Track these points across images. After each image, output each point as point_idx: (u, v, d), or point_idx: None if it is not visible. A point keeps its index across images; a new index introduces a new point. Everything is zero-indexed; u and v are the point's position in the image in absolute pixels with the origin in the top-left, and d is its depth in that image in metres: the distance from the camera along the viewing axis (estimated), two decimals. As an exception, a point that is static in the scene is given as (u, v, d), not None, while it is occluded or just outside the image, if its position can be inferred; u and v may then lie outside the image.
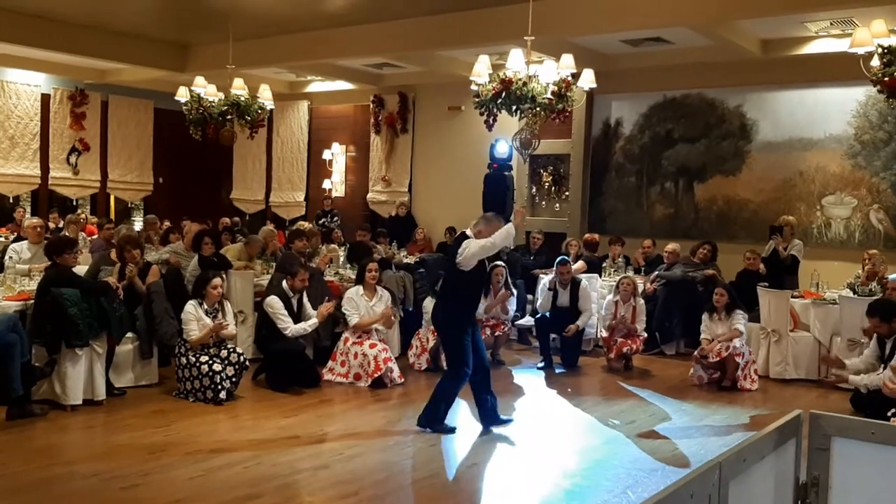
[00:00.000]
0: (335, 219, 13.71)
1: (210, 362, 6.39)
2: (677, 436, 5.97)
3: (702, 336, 7.75)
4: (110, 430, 5.75)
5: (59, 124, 14.31)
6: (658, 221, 11.59)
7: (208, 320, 6.54)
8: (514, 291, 8.62)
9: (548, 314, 8.47)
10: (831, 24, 9.16)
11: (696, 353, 7.70)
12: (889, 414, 5.61)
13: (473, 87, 7.95)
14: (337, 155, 15.02)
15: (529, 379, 7.92)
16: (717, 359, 7.47)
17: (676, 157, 11.46)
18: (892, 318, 6.24)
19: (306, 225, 10.53)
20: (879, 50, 6.55)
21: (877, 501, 2.18)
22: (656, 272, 9.46)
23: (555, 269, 8.55)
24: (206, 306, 6.59)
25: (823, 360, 7.09)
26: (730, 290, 7.78)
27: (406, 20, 10.37)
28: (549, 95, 7.66)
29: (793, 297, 8.18)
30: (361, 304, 7.45)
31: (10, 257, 7.96)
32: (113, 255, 7.17)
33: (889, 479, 2.14)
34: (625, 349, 8.25)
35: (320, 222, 13.30)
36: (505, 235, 5.55)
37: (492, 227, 5.65)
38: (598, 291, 9.33)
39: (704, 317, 7.79)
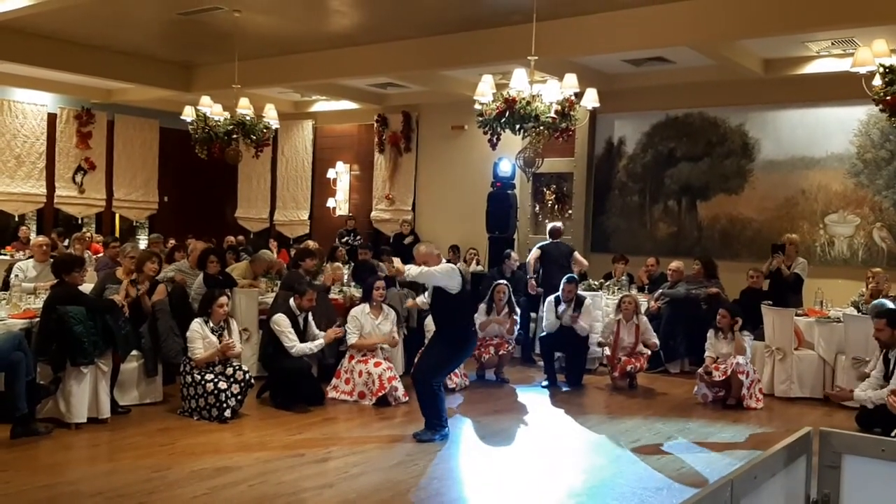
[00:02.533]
0: (358, 237, 13.72)
1: (215, 380, 6.38)
2: (682, 454, 5.95)
3: (706, 354, 7.74)
4: (115, 448, 5.74)
5: (65, 143, 14.41)
6: (661, 240, 11.61)
7: (214, 338, 6.54)
8: (518, 310, 8.63)
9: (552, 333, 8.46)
10: (832, 43, 9.23)
11: (699, 370, 7.69)
12: (893, 434, 5.59)
13: (477, 107, 7.99)
14: (341, 174, 15.10)
15: (534, 397, 7.90)
16: (723, 377, 7.45)
17: (679, 175, 11.50)
18: None
19: (312, 244, 10.55)
20: (881, 69, 6.58)
21: (887, 519, 2.18)
22: (660, 290, 9.47)
23: (561, 287, 8.55)
24: (211, 324, 6.60)
25: (831, 396, 7.10)
26: (733, 311, 7.76)
27: (410, 41, 10.46)
28: (552, 114, 7.69)
29: (797, 315, 8.17)
30: (367, 323, 7.46)
31: (17, 275, 7.98)
32: (118, 272, 7.19)
33: (899, 496, 2.14)
34: (629, 367, 8.23)
35: (343, 240, 13.32)
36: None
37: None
38: (603, 310, 9.33)
39: (710, 334, 7.78)
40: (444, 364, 6.27)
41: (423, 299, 7.98)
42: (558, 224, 10.52)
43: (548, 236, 10.18)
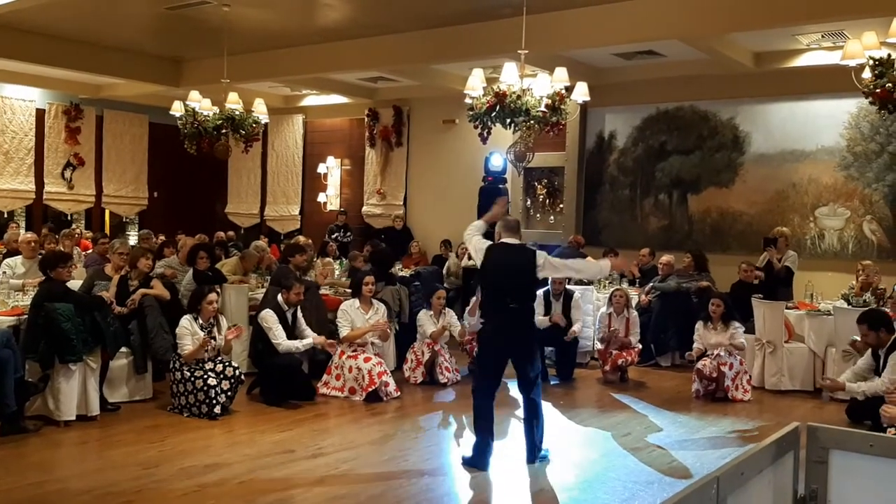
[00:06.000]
0: (348, 234, 13.69)
1: (205, 377, 6.35)
2: (673, 448, 5.96)
3: (694, 345, 7.76)
4: (104, 445, 5.71)
5: (54, 139, 14.31)
6: (652, 233, 11.62)
7: (203, 335, 6.51)
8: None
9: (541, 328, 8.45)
10: (822, 36, 9.24)
11: (692, 361, 7.66)
12: (885, 425, 5.61)
13: (468, 101, 7.97)
14: (332, 168, 15.05)
15: (525, 392, 7.88)
16: (713, 374, 7.47)
17: (670, 169, 11.51)
18: (880, 328, 6.28)
19: (303, 239, 10.51)
20: (871, 62, 6.57)
21: (875, 514, 2.18)
22: (651, 284, 9.48)
23: (549, 280, 8.54)
24: (201, 321, 6.57)
25: (823, 387, 7.13)
26: (726, 301, 7.79)
27: (400, 34, 10.42)
28: (542, 108, 7.67)
29: (787, 308, 8.19)
30: (357, 318, 7.43)
31: (4, 272, 7.92)
32: (107, 269, 7.15)
33: (887, 491, 2.13)
34: (620, 361, 8.24)
35: (333, 236, 13.28)
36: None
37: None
38: (594, 304, 9.33)
39: (698, 325, 7.79)
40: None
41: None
42: (580, 238, 11.06)
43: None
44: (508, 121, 7.77)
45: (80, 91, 14.14)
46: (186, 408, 6.39)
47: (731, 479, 1.90)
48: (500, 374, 5.50)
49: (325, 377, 7.37)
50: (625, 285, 9.56)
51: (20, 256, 8.19)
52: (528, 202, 12.80)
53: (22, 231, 11.90)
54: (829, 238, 10.36)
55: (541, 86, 7.68)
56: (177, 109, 10.38)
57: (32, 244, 8.22)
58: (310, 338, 7.08)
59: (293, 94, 15.03)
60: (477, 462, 5.33)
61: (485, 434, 5.37)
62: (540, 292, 8.66)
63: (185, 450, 5.56)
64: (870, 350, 6.49)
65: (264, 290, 8.15)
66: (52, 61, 11.75)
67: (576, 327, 8.35)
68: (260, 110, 10.33)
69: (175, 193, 15.68)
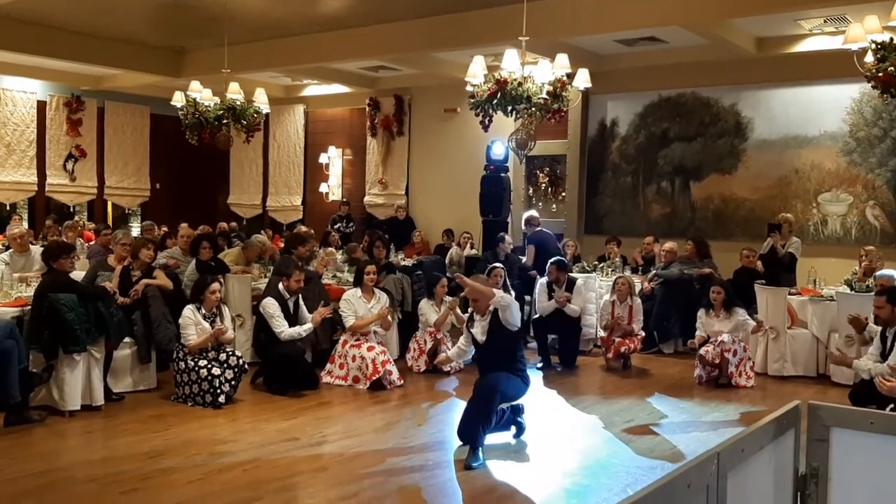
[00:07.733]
0: (351, 224, 13.71)
1: (209, 366, 6.37)
2: (676, 434, 5.97)
3: (697, 333, 7.76)
4: (109, 435, 5.73)
5: (56, 131, 14.33)
6: (655, 221, 11.60)
7: (206, 325, 6.52)
8: (513, 293, 8.60)
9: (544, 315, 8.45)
10: (825, 21, 9.20)
11: (699, 351, 7.64)
12: (888, 409, 5.61)
13: (469, 89, 7.94)
14: (333, 158, 15.05)
15: (528, 379, 7.89)
16: (717, 360, 7.47)
17: (672, 156, 11.48)
18: None
19: (304, 229, 10.51)
20: (873, 46, 6.53)
21: (877, 492, 2.18)
22: (654, 271, 9.47)
23: (547, 269, 8.53)
24: (204, 311, 6.58)
25: (832, 359, 7.12)
26: (727, 288, 7.79)
27: (401, 22, 10.40)
28: (544, 96, 7.64)
29: (790, 294, 8.19)
30: (360, 307, 7.44)
31: (7, 263, 7.91)
32: (110, 259, 7.16)
33: (889, 469, 2.14)
34: (623, 349, 8.25)
35: (336, 226, 13.29)
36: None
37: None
38: (597, 291, 9.33)
39: (700, 313, 7.79)
40: (515, 393, 5.57)
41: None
42: (533, 213, 10.44)
43: (527, 226, 10.18)
44: (510, 108, 7.73)
45: (82, 83, 14.14)
46: (190, 397, 6.41)
47: (731, 455, 1.90)
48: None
49: (328, 366, 7.39)
50: (627, 272, 9.56)
51: (11, 251, 8.14)
52: (530, 190, 12.79)
53: (24, 224, 11.93)
54: (831, 224, 10.35)
55: (542, 73, 7.65)
56: (178, 100, 10.37)
57: (18, 240, 8.11)
58: (309, 322, 7.08)
59: (294, 84, 15.01)
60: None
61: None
62: (543, 280, 8.67)
63: (189, 439, 5.59)
64: (879, 333, 6.47)
65: (267, 280, 8.15)
66: (53, 53, 11.76)
67: (574, 305, 8.35)
68: (261, 100, 10.32)
69: (177, 184, 15.70)
